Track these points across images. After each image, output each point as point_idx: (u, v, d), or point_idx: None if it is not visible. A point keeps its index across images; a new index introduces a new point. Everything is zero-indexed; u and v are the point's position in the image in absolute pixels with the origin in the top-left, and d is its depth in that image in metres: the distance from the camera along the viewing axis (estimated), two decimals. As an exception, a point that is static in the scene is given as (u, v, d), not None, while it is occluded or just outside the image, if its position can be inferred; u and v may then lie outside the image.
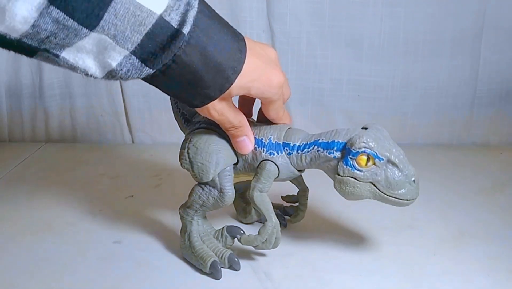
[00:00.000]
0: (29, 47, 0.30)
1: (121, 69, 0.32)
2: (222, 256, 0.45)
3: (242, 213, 0.55)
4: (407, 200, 0.40)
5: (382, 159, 0.39)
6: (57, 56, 0.31)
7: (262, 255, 0.49)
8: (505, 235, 0.52)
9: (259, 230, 0.44)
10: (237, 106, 0.44)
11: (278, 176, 0.44)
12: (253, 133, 0.44)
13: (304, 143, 0.43)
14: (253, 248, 0.45)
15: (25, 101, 0.84)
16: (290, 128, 0.45)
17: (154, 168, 0.73)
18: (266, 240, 0.43)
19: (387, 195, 0.40)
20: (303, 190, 0.51)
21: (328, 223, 0.55)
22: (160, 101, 0.81)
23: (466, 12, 0.75)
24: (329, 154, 0.41)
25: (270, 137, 0.43)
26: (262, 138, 0.44)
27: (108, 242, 0.52)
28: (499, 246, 0.50)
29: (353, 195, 0.41)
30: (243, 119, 0.42)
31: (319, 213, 0.57)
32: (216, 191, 0.44)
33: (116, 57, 0.32)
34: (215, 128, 0.44)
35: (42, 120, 0.85)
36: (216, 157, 0.43)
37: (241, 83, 0.37)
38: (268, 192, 0.44)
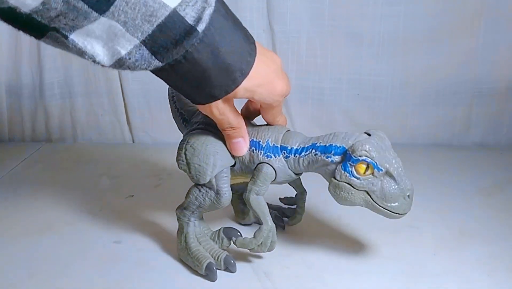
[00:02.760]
0: (39, 24, 0.30)
1: (129, 58, 0.32)
2: (218, 258, 0.45)
3: (240, 214, 0.55)
4: (399, 213, 0.40)
5: (381, 170, 0.39)
6: (66, 37, 0.31)
7: (262, 255, 0.49)
8: (505, 235, 0.52)
9: (254, 233, 0.44)
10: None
11: (275, 179, 0.44)
12: (251, 135, 0.44)
13: (302, 146, 0.43)
14: (249, 251, 0.45)
15: (25, 100, 0.84)
16: (288, 130, 0.45)
17: (154, 168, 0.73)
18: (261, 243, 0.43)
19: (379, 206, 0.40)
20: (301, 193, 0.51)
21: (328, 223, 0.55)
22: (160, 101, 0.81)
23: (464, 10, 0.75)
24: (327, 158, 0.41)
25: (268, 140, 0.43)
26: (260, 141, 0.43)
27: (108, 242, 0.52)
28: (499, 246, 0.50)
29: (346, 200, 0.40)
30: (242, 121, 0.42)
31: (319, 213, 0.57)
32: (212, 192, 0.44)
33: (126, 46, 0.32)
34: (212, 129, 0.44)
35: (42, 120, 0.85)
36: (213, 159, 0.43)
37: (247, 86, 0.37)
38: (266, 193, 0.44)
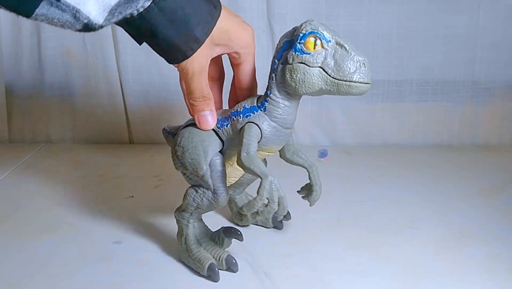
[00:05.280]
0: None
1: (119, 4, 0.34)
2: (219, 258, 0.45)
3: (237, 216, 0.55)
4: (359, 82, 0.38)
5: (330, 41, 0.39)
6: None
7: (262, 255, 0.49)
8: (505, 235, 0.52)
9: (257, 191, 0.40)
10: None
11: (262, 136, 0.42)
12: (228, 111, 0.44)
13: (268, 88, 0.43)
14: (262, 215, 0.40)
15: (25, 101, 0.84)
16: (261, 95, 0.44)
17: (154, 169, 0.73)
18: (268, 200, 0.40)
19: (338, 80, 0.39)
20: (310, 167, 0.48)
21: (328, 223, 0.55)
22: (160, 103, 0.81)
23: (461, 7, 0.75)
24: (278, 60, 0.41)
25: (244, 105, 0.43)
26: (237, 109, 0.43)
27: (108, 242, 0.52)
28: (499, 246, 0.50)
29: (304, 83, 0.39)
30: (211, 95, 0.43)
31: (319, 213, 0.57)
32: (209, 192, 0.44)
33: None
34: (193, 122, 0.45)
35: (42, 120, 0.85)
36: (201, 147, 0.43)
37: (223, 25, 0.40)
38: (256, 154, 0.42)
